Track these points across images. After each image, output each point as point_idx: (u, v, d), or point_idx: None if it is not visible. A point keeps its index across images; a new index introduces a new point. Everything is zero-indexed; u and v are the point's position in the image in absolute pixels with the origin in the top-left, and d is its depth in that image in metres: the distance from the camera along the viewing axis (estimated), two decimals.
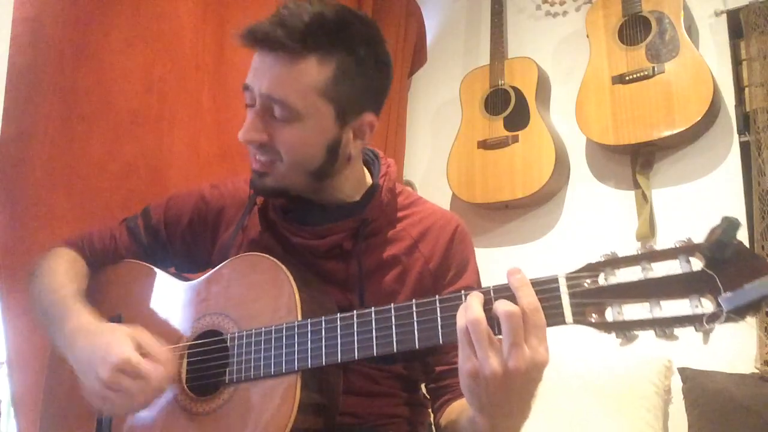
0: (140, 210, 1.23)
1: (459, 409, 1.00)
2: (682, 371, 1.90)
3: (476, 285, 1.11)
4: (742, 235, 2.05)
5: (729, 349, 1.93)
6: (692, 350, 1.95)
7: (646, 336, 0.73)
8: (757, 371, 1.87)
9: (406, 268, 1.08)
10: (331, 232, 1.06)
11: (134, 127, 1.67)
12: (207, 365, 0.99)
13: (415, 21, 2.84)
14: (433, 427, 1.16)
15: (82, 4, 1.59)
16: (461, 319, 0.77)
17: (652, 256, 0.73)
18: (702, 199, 2.17)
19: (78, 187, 1.55)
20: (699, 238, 0.71)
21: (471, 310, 0.76)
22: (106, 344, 0.91)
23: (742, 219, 2.05)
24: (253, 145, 1.00)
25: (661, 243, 2.50)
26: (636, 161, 2.28)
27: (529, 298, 0.75)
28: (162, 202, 1.21)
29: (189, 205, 1.18)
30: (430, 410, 1.17)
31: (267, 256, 1.00)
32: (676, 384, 1.93)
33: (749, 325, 1.93)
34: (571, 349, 2.12)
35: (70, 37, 1.56)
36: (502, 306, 0.74)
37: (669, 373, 1.96)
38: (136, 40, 1.69)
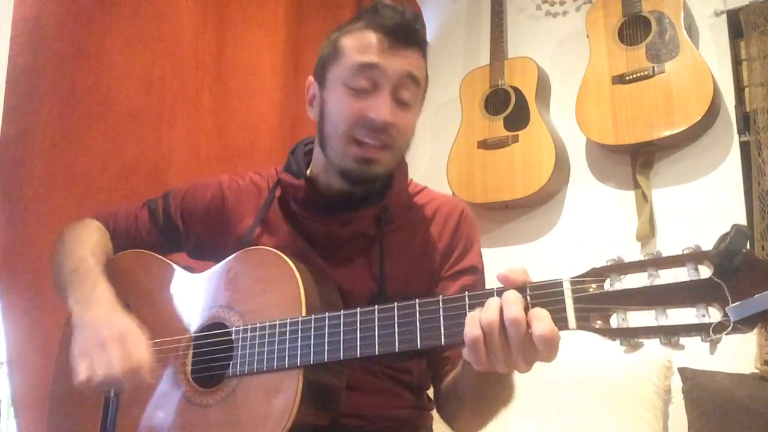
0: (162, 193, 1.26)
1: (459, 370, 1.03)
2: (682, 371, 1.89)
3: (479, 266, 1.16)
4: None
5: (729, 349, 1.91)
6: (692, 350, 1.95)
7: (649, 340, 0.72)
8: (757, 371, 1.86)
9: (421, 250, 1.12)
10: (355, 219, 1.09)
11: (134, 127, 1.67)
12: (212, 357, 1.00)
13: None
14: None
15: (82, 4, 1.59)
16: (474, 327, 0.77)
17: (659, 262, 0.70)
18: (702, 199, 2.17)
19: (78, 187, 1.55)
20: (700, 238, 0.70)
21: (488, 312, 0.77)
22: (121, 318, 0.98)
23: (742, 219, 2.05)
24: (382, 128, 1.01)
25: (662, 243, 2.47)
26: (636, 161, 2.28)
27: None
28: (183, 189, 1.24)
29: (206, 195, 1.21)
30: (432, 413, 1.17)
31: (274, 250, 1.02)
32: (676, 384, 1.92)
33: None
34: (570, 349, 2.12)
35: (70, 37, 1.56)
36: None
37: (669, 373, 1.96)
38: (136, 40, 1.69)
